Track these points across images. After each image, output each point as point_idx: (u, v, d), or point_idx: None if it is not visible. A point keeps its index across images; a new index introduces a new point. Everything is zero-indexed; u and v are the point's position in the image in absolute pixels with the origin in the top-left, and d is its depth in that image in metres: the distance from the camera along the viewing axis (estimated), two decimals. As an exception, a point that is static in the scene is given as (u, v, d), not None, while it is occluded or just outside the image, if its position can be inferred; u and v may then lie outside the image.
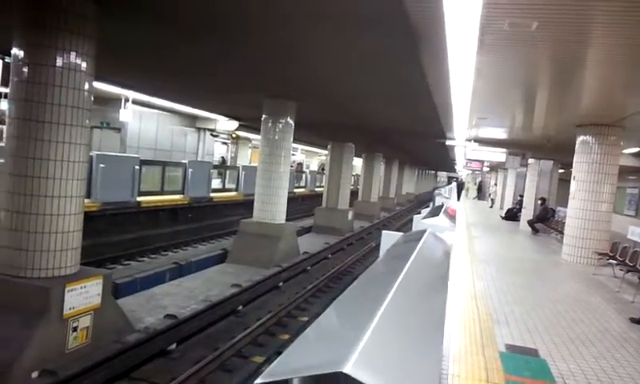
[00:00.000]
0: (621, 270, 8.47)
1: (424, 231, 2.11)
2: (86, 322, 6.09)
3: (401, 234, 4.12)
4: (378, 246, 17.07)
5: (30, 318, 5.60)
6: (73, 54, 5.95)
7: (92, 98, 6.33)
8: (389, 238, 4.14)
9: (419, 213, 13.24)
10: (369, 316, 1.00)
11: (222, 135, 23.82)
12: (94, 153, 12.82)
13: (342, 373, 0.80)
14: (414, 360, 1.08)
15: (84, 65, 6.08)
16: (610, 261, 9.12)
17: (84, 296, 6.06)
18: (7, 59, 10.94)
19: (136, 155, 15.08)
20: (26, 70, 5.84)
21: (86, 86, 6.15)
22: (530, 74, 7.08)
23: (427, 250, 1.84)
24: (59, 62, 5.86)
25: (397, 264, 1.41)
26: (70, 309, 5.87)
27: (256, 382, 0.97)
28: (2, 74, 10.96)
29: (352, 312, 1.16)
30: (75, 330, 5.94)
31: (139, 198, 13.92)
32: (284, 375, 0.84)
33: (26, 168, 5.81)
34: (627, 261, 8.56)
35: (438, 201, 14.14)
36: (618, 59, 5.74)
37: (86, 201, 11.50)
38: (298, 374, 0.83)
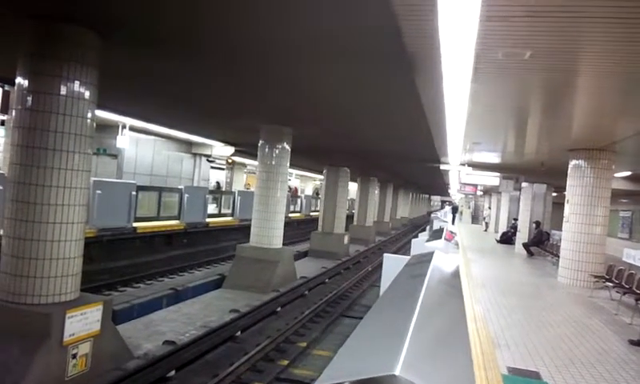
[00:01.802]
0: (617, 292, 8.55)
1: (432, 253, 2.20)
2: (85, 348, 6.05)
3: (403, 256, 4.19)
4: (375, 269, 17.06)
5: (30, 344, 5.56)
6: (77, 83, 6.05)
7: (94, 126, 6.42)
8: (391, 262, 4.21)
9: (416, 236, 13.30)
10: (404, 325, 1.07)
11: (217, 160, 23.92)
12: (91, 179, 12.85)
13: (394, 375, 0.86)
14: (451, 363, 1.15)
15: (87, 93, 6.18)
16: (607, 283, 9.20)
17: (84, 322, 6.04)
18: (6, 87, 11.07)
19: (132, 181, 15.12)
20: (30, 98, 5.92)
21: (89, 114, 6.24)
22: (523, 101, 7.27)
23: (440, 268, 1.92)
24: (63, 90, 5.96)
25: (415, 281, 1.49)
26: (70, 335, 5.84)
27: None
28: (2, 101, 11.03)
29: (387, 322, 1.23)
30: (75, 356, 5.90)
31: (135, 224, 13.91)
32: (337, 379, 0.90)
33: (28, 194, 5.84)
34: (623, 283, 8.65)
35: (436, 224, 14.22)
36: (608, 86, 5.94)
37: (84, 227, 11.54)
38: (352, 378, 0.89)
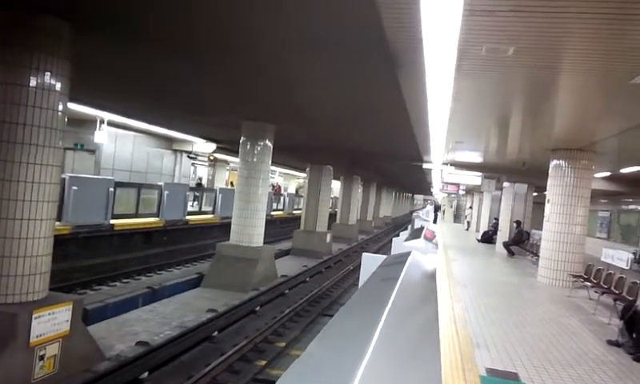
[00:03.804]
0: (595, 292, 8.59)
1: (408, 253, 2.08)
2: (53, 349, 5.83)
3: (382, 256, 4.07)
4: (357, 268, 17.00)
5: (-7, 346, 5.33)
6: (47, 74, 5.82)
7: (66, 119, 6.19)
8: (369, 261, 4.08)
9: (397, 235, 13.25)
10: (367, 336, 0.94)
11: (199, 157, 23.59)
12: (66, 174, 12.51)
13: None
14: (416, 380, 1.02)
15: (58, 85, 5.95)
16: (585, 283, 9.24)
17: (52, 323, 5.81)
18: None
19: (110, 177, 14.79)
20: (-3, 89, 5.68)
21: (60, 107, 6.01)
22: (506, 99, 7.23)
23: (413, 271, 1.80)
24: (33, 82, 5.72)
25: (385, 286, 1.37)
26: (38, 336, 5.61)
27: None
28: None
29: (345, 339, 1.09)
30: (42, 358, 5.68)
31: (113, 221, 13.59)
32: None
33: (-7, 189, 5.60)
34: (602, 283, 8.68)
35: (417, 223, 14.20)
36: (590, 85, 5.91)
37: (57, 224, 11.21)
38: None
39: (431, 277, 2.42)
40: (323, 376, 0.83)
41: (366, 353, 0.84)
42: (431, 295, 1.90)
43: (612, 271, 8.83)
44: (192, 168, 24.61)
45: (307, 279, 15.38)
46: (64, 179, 11.87)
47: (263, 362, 7.91)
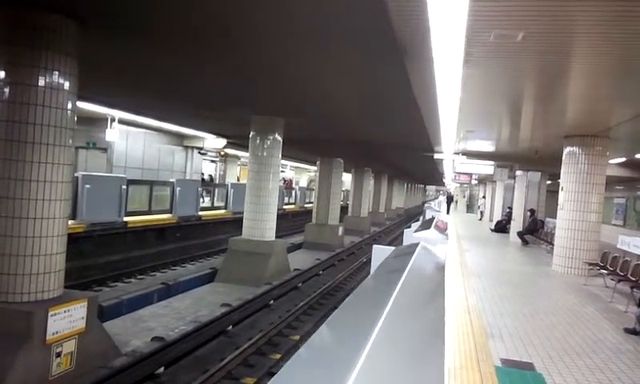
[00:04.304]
0: (612, 279, 8.46)
1: (417, 244, 2.04)
2: (70, 346, 5.90)
3: (392, 248, 4.04)
4: (369, 261, 17.02)
5: (11, 343, 5.40)
6: (55, 74, 5.86)
7: (75, 117, 6.23)
8: (380, 253, 4.05)
9: (409, 227, 13.19)
10: (364, 335, 0.92)
11: (210, 153, 23.65)
12: (79, 173, 12.63)
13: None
14: (418, 378, 1.00)
15: (67, 84, 5.98)
16: (601, 271, 9.11)
17: (68, 320, 5.88)
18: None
19: (122, 175, 14.90)
20: (7, 89, 5.72)
21: (69, 105, 6.05)
22: (516, 86, 7.11)
23: (421, 263, 1.76)
24: (42, 81, 5.76)
25: (391, 278, 1.34)
26: (54, 333, 5.68)
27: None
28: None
29: (346, 331, 1.07)
30: (59, 355, 5.75)
31: (126, 218, 13.71)
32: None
33: (7, 189, 5.66)
34: (618, 270, 8.56)
35: (429, 214, 14.12)
36: (603, 70, 5.78)
37: (72, 222, 11.34)
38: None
39: (439, 267, 2.38)
40: (324, 366, 0.81)
41: (367, 344, 0.82)
42: (438, 285, 1.86)
43: (628, 258, 8.70)
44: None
45: (320, 272, 15.40)
46: (77, 178, 12.00)
47: (278, 356, 7.94)
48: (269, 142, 12.68)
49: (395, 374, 0.91)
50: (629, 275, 8.04)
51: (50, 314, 5.63)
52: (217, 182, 27.82)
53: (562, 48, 5.00)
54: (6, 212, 5.66)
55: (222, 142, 20.28)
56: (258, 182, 12.73)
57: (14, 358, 5.35)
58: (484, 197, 32.51)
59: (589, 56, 5.25)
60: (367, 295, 1.38)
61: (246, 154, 13.40)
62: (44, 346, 5.58)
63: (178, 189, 16.44)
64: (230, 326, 8.94)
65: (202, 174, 27.24)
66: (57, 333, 5.73)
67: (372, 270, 4.39)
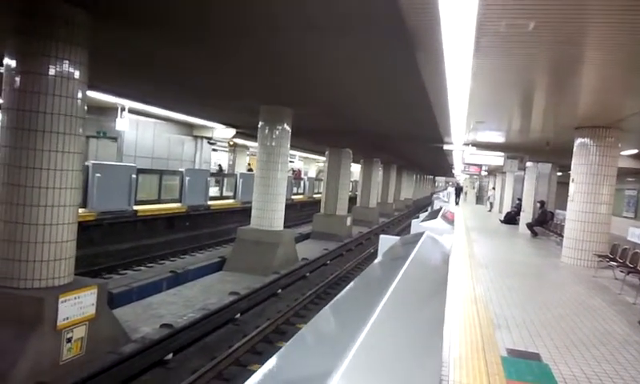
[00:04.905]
0: (621, 271, 8.41)
1: (422, 234, 2.04)
2: (80, 332, 5.99)
3: (399, 237, 4.05)
4: (377, 251, 17.02)
5: (23, 329, 5.49)
6: (66, 63, 5.89)
7: (85, 107, 6.27)
8: (387, 243, 4.06)
9: (417, 217, 13.16)
10: (362, 322, 0.93)
11: (219, 143, 23.71)
12: (90, 162, 12.75)
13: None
14: (412, 368, 1.00)
15: (77, 73, 6.01)
16: (611, 263, 9.06)
17: (78, 306, 5.96)
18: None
19: (132, 164, 15.01)
20: (18, 78, 5.77)
21: (79, 95, 6.08)
22: (527, 76, 7.04)
23: (425, 252, 1.77)
24: (52, 70, 5.80)
25: (393, 267, 1.34)
26: (64, 319, 5.77)
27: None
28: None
29: (344, 317, 1.08)
30: (69, 341, 5.84)
31: (136, 207, 13.83)
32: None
33: (18, 177, 5.73)
34: (628, 262, 8.50)
35: (437, 205, 14.07)
36: (616, 60, 5.70)
37: (82, 210, 11.47)
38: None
39: (444, 256, 2.39)
40: (317, 353, 0.82)
41: (361, 332, 0.83)
42: (440, 273, 1.87)
43: (638, 250, 8.63)
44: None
45: (328, 262, 15.44)
46: (87, 167, 12.11)
47: (285, 344, 8.00)
48: (277, 132, 12.68)
49: (391, 358, 0.92)
50: (638, 267, 7.98)
51: (60, 300, 5.72)
52: (226, 171, 27.91)
53: (574, 38, 4.94)
54: (17, 199, 5.73)
55: (232, 131, 20.32)
56: (267, 171, 12.75)
57: (25, 343, 5.45)
58: (494, 188, 32.34)
59: (601, 46, 5.19)
60: (369, 281, 1.39)
61: (255, 144, 13.41)
62: (55, 332, 5.67)
63: (188, 178, 16.54)
64: (238, 314, 9.01)
65: (219, 165, 27.36)
66: (67, 319, 5.81)
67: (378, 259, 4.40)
